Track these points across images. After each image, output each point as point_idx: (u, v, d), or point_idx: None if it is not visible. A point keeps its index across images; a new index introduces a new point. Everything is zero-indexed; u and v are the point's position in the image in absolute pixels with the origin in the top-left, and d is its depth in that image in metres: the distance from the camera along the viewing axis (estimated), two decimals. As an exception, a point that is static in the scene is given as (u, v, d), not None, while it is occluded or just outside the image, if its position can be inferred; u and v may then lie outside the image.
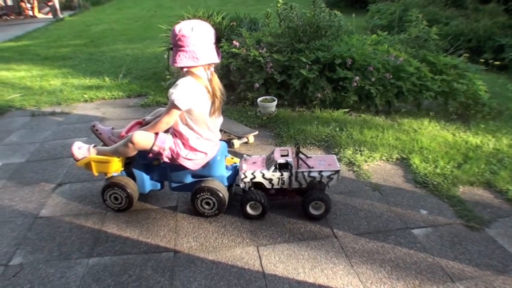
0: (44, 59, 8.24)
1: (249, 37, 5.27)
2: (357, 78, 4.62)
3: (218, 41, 5.43)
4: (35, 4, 16.16)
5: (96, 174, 2.96)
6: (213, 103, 2.70)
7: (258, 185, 2.92)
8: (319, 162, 2.94)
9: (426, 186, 3.32)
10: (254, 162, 3.00)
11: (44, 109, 5.27)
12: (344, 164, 3.67)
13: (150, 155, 2.81)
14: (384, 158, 3.75)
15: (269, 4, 5.87)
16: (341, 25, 5.53)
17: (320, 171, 2.84)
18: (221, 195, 2.85)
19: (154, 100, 5.22)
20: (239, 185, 2.98)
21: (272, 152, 2.98)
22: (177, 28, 2.52)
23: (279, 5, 5.45)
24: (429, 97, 4.70)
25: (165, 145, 2.70)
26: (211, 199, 2.87)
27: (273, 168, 2.84)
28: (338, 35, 5.44)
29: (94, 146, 2.97)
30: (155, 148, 2.71)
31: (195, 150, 2.74)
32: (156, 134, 2.72)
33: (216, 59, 2.64)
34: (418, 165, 3.57)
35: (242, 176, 2.89)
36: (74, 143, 3.01)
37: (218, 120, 2.90)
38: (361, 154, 3.78)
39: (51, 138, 4.40)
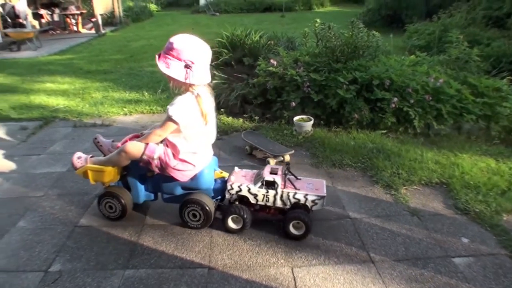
0: (86, 72, 8.52)
1: (287, 56, 5.30)
2: (395, 99, 4.56)
3: (255, 59, 5.53)
4: (79, 20, 16.77)
5: (93, 182, 3.07)
6: (205, 121, 2.78)
7: (243, 199, 2.95)
8: (307, 185, 2.95)
9: (467, 213, 3.21)
10: (243, 176, 3.05)
11: (85, 121, 5.44)
12: (381, 186, 3.61)
13: (141, 164, 2.89)
14: (423, 182, 3.67)
15: (304, 23, 5.91)
16: (378, 46, 5.51)
17: (306, 194, 2.86)
18: (207, 208, 2.90)
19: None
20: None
21: (263, 169, 3.01)
22: (187, 44, 2.64)
23: (317, 24, 5.48)
24: (470, 120, 4.59)
25: (154, 154, 2.79)
26: (198, 212, 2.93)
27: (259, 184, 2.88)
28: (375, 55, 5.41)
29: (91, 157, 3.11)
30: (144, 157, 2.81)
31: (184, 161, 2.82)
32: (147, 144, 2.82)
33: (210, 80, 2.76)
34: (459, 191, 3.47)
35: (229, 187, 2.94)
36: (75, 153, 3.17)
37: (212, 135, 2.97)
38: (399, 177, 3.71)
39: (91, 150, 4.47)
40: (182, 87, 2.71)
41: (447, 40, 6.00)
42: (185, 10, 23.62)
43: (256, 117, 5.06)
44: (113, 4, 17.99)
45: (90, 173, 3.02)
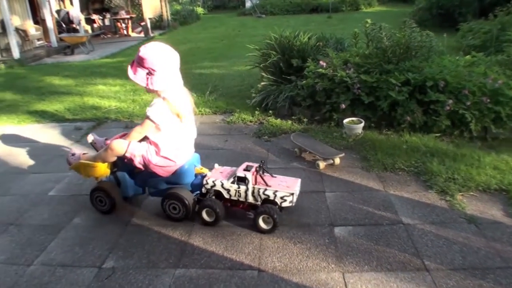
0: (137, 74, 8.73)
1: (336, 58, 5.22)
2: (450, 101, 4.39)
3: (304, 60, 5.48)
4: (129, 24, 17.29)
5: (85, 177, 3.36)
6: (182, 121, 3.01)
7: (220, 194, 3.11)
8: (280, 182, 3.07)
9: (530, 222, 3.04)
10: (221, 172, 3.24)
11: (136, 122, 5.56)
12: (435, 192, 3.47)
13: (125, 160, 3.10)
14: (480, 188, 3.50)
15: (351, 23, 5.82)
16: (432, 46, 5.32)
17: (275, 191, 2.97)
18: (186, 202, 3.08)
19: (240, 118, 5.31)
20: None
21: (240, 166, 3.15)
22: (150, 53, 2.86)
23: (367, 25, 5.37)
24: (531, 124, 4.35)
25: (136, 151, 3.02)
26: (178, 205, 3.11)
27: (231, 179, 3.05)
28: (428, 56, 5.23)
29: (84, 154, 3.36)
30: (127, 155, 3.03)
31: (166, 158, 3.03)
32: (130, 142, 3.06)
33: (181, 82, 3.05)
34: (520, 198, 3.29)
35: (205, 182, 3.14)
36: (69, 150, 3.52)
37: (191, 133, 3.19)
38: (454, 183, 3.55)
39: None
40: (152, 92, 2.97)
41: (505, 39, 5.72)
42: (231, 13, 23.86)
43: (305, 119, 5.01)
44: (161, 8, 18.42)
45: (82, 169, 3.25)
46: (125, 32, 17.24)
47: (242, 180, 3.03)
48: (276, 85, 5.57)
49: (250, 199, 3.06)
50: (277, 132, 4.81)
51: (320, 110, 5.04)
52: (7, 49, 12.98)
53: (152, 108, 2.91)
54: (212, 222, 3.10)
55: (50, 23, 14.37)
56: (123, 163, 3.19)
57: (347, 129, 4.57)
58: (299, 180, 3.16)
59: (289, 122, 5.03)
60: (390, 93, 4.55)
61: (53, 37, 14.45)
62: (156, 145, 3.03)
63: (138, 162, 3.06)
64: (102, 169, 3.19)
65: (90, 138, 3.67)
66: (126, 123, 5.59)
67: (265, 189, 3.00)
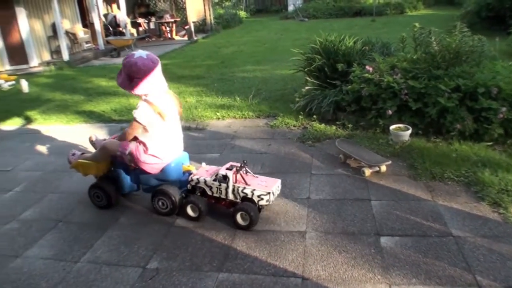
0: (180, 77, 8.88)
1: (383, 62, 5.10)
2: (503, 109, 4.20)
3: (349, 65, 5.39)
4: (174, 27, 17.61)
5: (84, 175, 3.66)
6: (164, 120, 3.22)
7: (204, 191, 3.30)
8: (259, 182, 3.22)
9: None
10: (207, 171, 3.41)
11: (181, 124, 5.63)
12: (487, 204, 3.32)
13: (118, 159, 3.39)
14: (537, 201, 3.31)
15: (396, 27, 5.68)
16: (483, 51, 5.11)
17: (253, 190, 3.11)
18: (172, 198, 3.28)
19: (283, 122, 5.28)
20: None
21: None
22: (137, 62, 3.08)
23: (415, 29, 5.22)
24: None
25: (126, 150, 3.30)
26: (165, 200, 3.30)
27: (214, 177, 3.22)
28: (479, 61, 5.03)
29: (82, 153, 3.68)
30: (118, 153, 3.35)
31: (153, 156, 3.28)
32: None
33: (165, 84, 3.29)
34: None
35: (190, 179, 3.34)
36: (70, 151, 3.82)
37: (176, 133, 3.43)
38: (508, 195, 3.38)
39: (187, 152, 4.65)
40: (137, 95, 3.26)
41: None
42: (274, 16, 23.89)
43: (350, 125, 4.92)
44: (205, 12, 18.66)
45: (81, 167, 3.58)
46: (169, 35, 17.56)
47: (223, 179, 3.18)
48: (320, 89, 5.51)
49: (231, 196, 3.20)
50: (321, 137, 4.75)
51: (365, 116, 4.94)
52: (58, 51, 13.50)
53: (138, 111, 3.17)
54: (196, 217, 3.27)
55: (98, 27, 14.84)
56: (118, 162, 3.49)
57: (393, 136, 4.45)
58: (279, 181, 3.29)
59: (334, 127, 4.96)
60: (439, 100, 4.40)
61: (100, 40, 14.91)
62: (144, 144, 3.29)
63: (128, 161, 3.37)
64: (99, 168, 3.53)
65: (92, 137, 3.93)
66: (170, 125, 5.67)
67: (244, 188, 3.14)
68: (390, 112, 4.65)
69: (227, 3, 27.72)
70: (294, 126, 5.16)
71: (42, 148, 5.42)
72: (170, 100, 3.35)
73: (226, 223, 3.22)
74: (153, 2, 20.14)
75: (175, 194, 3.31)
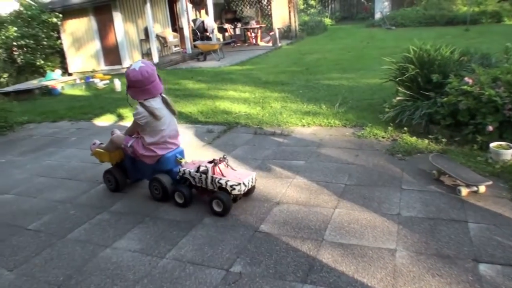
0: (265, 83, 8.93)
1: (484, 74, 4.74)
2: None
3: (445, 76, 5.08)
4: (259, 33, 17.84)
5: (100, 161, 4.48)
6: (157, 120, 3.76)
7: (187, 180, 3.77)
8: (235, 175, 3.63)
9: None
10: (193, 163, 3.86)
11: (265, 129, 5.65)
12: None
13: (124, 150, 4.10)
14: None
15: (492, 36, 5.25)
16: None
17: (227, 181, 3.50)
18: (164, 185, 3.79)
19: (371, 132, 5.07)
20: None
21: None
22: (134, 74, 3.64)
23: (523, 40, 4.81)
24: None
25: (128, 144, 3.95)
26: (158, 187, 3.82)
27: (196, 169, 3.66)
28: None
29: (100, 144, 4.39)
30: (122, 146, 4.04)
31: (149, 149, 3.83)
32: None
33: (160, 90, 3.84)
34: None
35: (178, 170, 3.82)
36: (92, 141, 4.57)
37: (169, 131, 3.89)
38: None
39: (272, 157, 4.65)
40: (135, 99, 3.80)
41: None
42: (360, 24, 23.42)
43: (443, 139, 4.62)
44: (290, 18, 18.72)
45: (98, 155, 4.36)
46: (254, 41, 17.83)
47: (203, 171, 3.62)
48: (412, 100, 5.24)
49: (210, 186, 3.62)
50: (412, 150, 4.50)
51: (461, 131, 4.61)
52: (148, 53, 14.20)
53: (136, 113, 3.74)
54: (182, 203, 3.74)
55: (186, 31, 15.42)
56: (126, 153, 4.12)
57: (493, 154, 4.11)
58: (253, 174, 3.72)
59: (426, 141, 4.68)
60: (550, 117, 4.00)
61: (188, 44, 15.47)
62: (142, 138, 3.85)
63: (131, 152, 3.97)
64: (111, 156, 4.25)
65: (113, 132, 4.38)
66: (255, 129, 5.69)
67: (220, 179, 3.54)
68: (491, 128, 4.30)
69: (312, 10, 27.64)
70: (383, 137, 4.94)
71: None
72: (165, 102, 3.88)
73: (311, 232, 3.13)
74: (240, 8, 20.59)
75: (167, 182, 3.81)
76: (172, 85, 9.76)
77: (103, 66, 14.21)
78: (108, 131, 6.44)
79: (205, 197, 3.72)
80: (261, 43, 17.63)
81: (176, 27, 16.48)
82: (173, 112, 3.95)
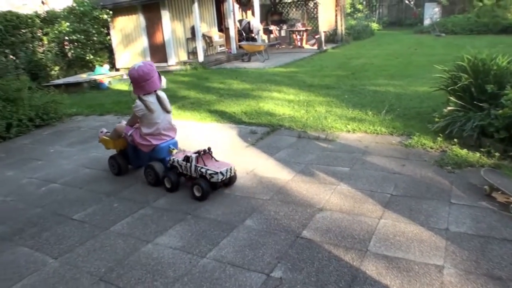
0: (309, 86, 8.84)
1: (545, 87, 4.50)
2: None
3: (501, 87, 4.85)
4: (304, 36, 17.74)
5: (106, 148, 4.98)
6: (152, 113, 4.25)
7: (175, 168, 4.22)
8: (215, 164, 4.06)
9: None
10: (183, 153, 4.27)
11: (309, 133, 5.57)
12: None
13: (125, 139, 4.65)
14: None
15: None
16: None
17: (207, 169, 3.92)
18: (156, 171, 4.25)
19: (419, 142, 4.90)
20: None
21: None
22: (132, 72, 4.19)
23: None
24: None
25: (128, 132, 4.51)
26: (151, 173, 4.30)
27: (182, 158, 4.10)
28: None
29: (106, 132, 4.96)
30: (123, 135, 4.61)
31: (145, 139, 4.33)
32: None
33: (155, 88, 4.29)
34: None
35: (169, 159, 4.27)
36: (100, 129, 5.19)
37: (162, 123, 4.34)
38: None
39: (315, 162, 4.58)
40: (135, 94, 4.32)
41: None
42: (408, 30, 22.89)
43: (496, 154, 4.40)
44: (336, 22, 18.51)
45: (104, 142, 4.91)
46: (299, 43, 17.73)
47: (188, 160, 4.03)
48: (464, 111, 5.03)
49: (193, 174, 4.03)
50: (462, 163, 4.31)
51: (516, 145, 4.40)
52: (194, 52, 14.38)
53: (135, 106, 4.25)
54: (170, 188, 4.16)
55: (232, 32, 15.52)
56: (128, 142, 4.61)
57: (551, 171, 3.89)
58: (232, 165, 4.08)
59: (477, 154, 4.47)
60: None
61: (233, 44, 15.57)
62: (140, 129, 4.36)
63: (130, 141, 4.53)
64: (115, 144, 4.78)
65: (121, 123, 4.87)
66: (299, 132, 5.62)
67: (201, 167, 3.96)
68: (550, 144, 4.08)
69: (359, 14, 27.28)
70: (431, 148, 4.77)
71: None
72: (159, 98, 4.32)
73: (355, 242, 3.05)
74: (286, 10, 20.54)
75: (159, 168, 4.26)
76: (217, 84, 9.83)
77: (149, 63, 14.49)
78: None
79: (189, 184, 4.08)
80: (306, 46, 17.52)
81: (222, 27, 16.61)
82: (165, 109, 4.37)
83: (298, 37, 17.80)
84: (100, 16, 13.90)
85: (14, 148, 6.35)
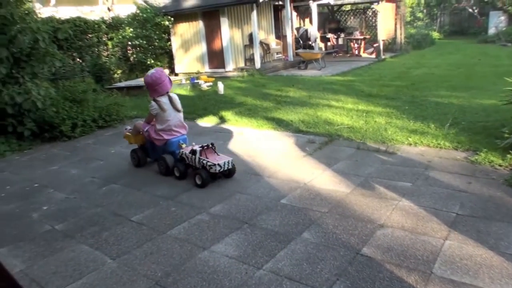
0: (368, 95, 8.64)
1: None
2: None
3: None
4: (362, 44, 17.44)
5: (129, 143, 5.70)
6: (164, 112, 4.96)
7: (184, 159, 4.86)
8: (216, 157, 4.63)
9: None
10: (191, 147, 4.79)
11: (369, 144, 5.41)
12: None
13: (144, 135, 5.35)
14: None
15: None
16: None
17: (207, 161, 4.50)
18: (167, 162, 4.90)
19: (487, 159, 4.60)
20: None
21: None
22: (147, 78, 4.98)
23: None
24: None
25: (145, 129, 5.18)
26: (163, 164, 4.93)
27: (189, 151, 4.69)
28: None
29: (129, 129, 5.66)
30: (141, 131, 5.30)
31: (159, 134, 5.01)
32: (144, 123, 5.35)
33: (167, 90, 5.00)
34: None
35: (179, 152, 4.87)
36: (126, 126, 6.29)
37: (173, 121, 5.03)
38: None
39: (375, 176, 4.42)
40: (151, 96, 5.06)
41: None
42: (471, 39, 22.00)
43: None
44: (395, 31, 18.08)
45: (126, 137, 5.67)
46: (356, 52, 17.46)
47: (193, 153, 4.63)
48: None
49: (197, 165, 4.62)
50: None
51: None
52: (251, 59, 14.49)
53: (151, 105, 4.97)
54: (179, 176, 4.81)
55: (290, 39, 15.51)
56: (146, 138, 5.28)
57: None
58: (230, 159, 4.65)
59: None
60: None
61: (290, 52, 15.55)
62: (155, 125, 5.06)
63: (147, 136, 5.18)
64: (136, 139, 5.48)
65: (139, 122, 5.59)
66: (358, 143, 5.47)
67: (203, 159, 4.56)
68: None
69: (419, 23, 26.54)
70: (500, 165, 4.48)
71: (234, 148, 5.77)
72: (171, 98, 5.01)
73: (418, 263, 2.89)
74: (344, 18, 20.29)
75: (170, 161, 4.91)
76: (273, 91, 9.83)
77: (207, 69, 14.76)
78: (211, 132, 6.68)
79: (193, 174, 4.65)
80: (364, 55, 17.21)
81: (279, 35, 16.65)
82: (176, 109, 5.04)
83: (356, 45, 17.54)
84: (162, 22, 14.33)
85: (78, 148, 6.63)
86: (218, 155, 4.70)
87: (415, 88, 9.25)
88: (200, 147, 4.68)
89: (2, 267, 1.13)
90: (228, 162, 4.56)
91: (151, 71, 5.03)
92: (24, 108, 6.71)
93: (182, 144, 4.98)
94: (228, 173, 4.68)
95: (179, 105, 5.07)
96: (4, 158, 6.39)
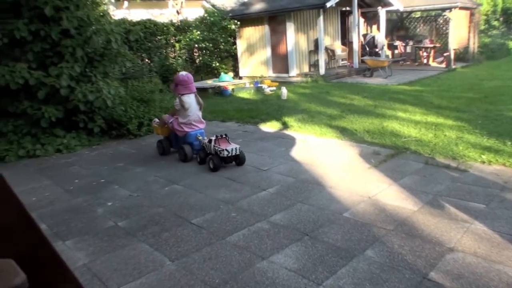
0: (437, 107, 8.25)
1: None
2: None
3: None
4: (432, 53, 16.77)
5: (156, 134, 6.56)
6: (186, 108, 5.85)
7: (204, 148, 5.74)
8: (227, 145, 5.40)
9: None
10: (210, 139, 5.53)
11: (438, 160, 5.15)
12: None
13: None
14: None
15: None
16: None
17: (218, 148, 5.31)
18: (186, 151, 5.76)
19: None
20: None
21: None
22: (179, 76, 5.88)
23: None
24: None
25: (169, 121, 6.02)
26: (182, 152, 5.80)
27: (207, 140, 5.55)
28: None
29: (157, 121, 6.45)
30: (166, 123, 6.10)
31: (180, 126, 5.87)
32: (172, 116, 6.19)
33: (192, 90, 5.91)
34: None
35: (197, 143, 5.79)
36: (154, 118, 7.06)
37: (193, 116, 5.90)
38: None
39: (445, 194, 4.18)
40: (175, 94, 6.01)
41: None
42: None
43: None
44: (468, 39, 17.26)
45: (154, 129, 6.49)
46: (425, 61, 16.82)
47: (210, 142, 5.44)
48: None
49: (212, 151, 5.40)
50: None
51: None
52: (315, 65, 14.36)
53: (176, 101, 5.87)
54: (200, 161, 5.66)
55: (356, 46, 15.21)
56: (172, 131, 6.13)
57: None
58: (237, 146, 5.44)
59: None
60: None
61: (356, 59, 15.25)
62: (177, 118, 5.91)
63: (170, 127, 5.99)
64: (163, 130, 6.22)
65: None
66: (427, 158, 5.20)
67: (216, 146, 5.35)
68: None
69: (494, 32, 25.15)
70: None
71: (297, 155, 5.70)
72: (193, 98, 5.87)
73: (493, 294, 2.68)
74: (413, 25, 19.62)
75: (188, 151, 5.76)
76: (338, 98, 9.66)
77: (270, 73, 14.79)
78: (273, 138, 6.66)
79: (207, 159, 5.50)
80: (433, 64, 16.54)
81: (345, 41, 16.39)
82: (199, 104, 5.96)
83: (425, 54, 16.89)
84: (228, 26, 14.52)
85: (143, 146, 6.84)
86: (229, 143, 5.51)
87: (489, 101, 8.73)
88: (216, 136, 5.53)
89: (66, 268, 1.13)
90: (235, 149, 5.36)
91: (182, 72, 6.03)
92: (95, 105, 7.03)
93: (199, 136, 5.86)
94: (238, 161, 5.47)
95: (200, 100, 6.02)
96: (75, 152, 6.72)
